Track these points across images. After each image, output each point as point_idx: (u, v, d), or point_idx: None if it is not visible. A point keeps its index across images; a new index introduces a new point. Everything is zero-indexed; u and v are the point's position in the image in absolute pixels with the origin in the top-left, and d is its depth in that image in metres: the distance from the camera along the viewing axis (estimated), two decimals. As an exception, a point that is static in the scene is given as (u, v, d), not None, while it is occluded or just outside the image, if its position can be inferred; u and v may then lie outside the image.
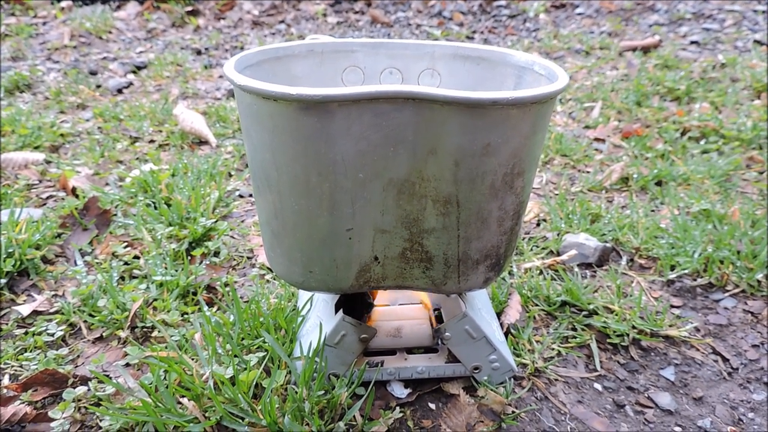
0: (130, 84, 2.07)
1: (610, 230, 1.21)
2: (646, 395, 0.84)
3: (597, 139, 1.69)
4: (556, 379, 0.86)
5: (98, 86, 2.05)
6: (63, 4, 2.79)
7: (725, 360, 0.91)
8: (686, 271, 1.07)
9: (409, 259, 0.71)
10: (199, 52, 2.43)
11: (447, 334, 0.79)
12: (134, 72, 2.21)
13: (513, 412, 0.79)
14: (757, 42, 2.45)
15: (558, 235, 1.19)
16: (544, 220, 1.27)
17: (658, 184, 1.44)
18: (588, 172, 1.50)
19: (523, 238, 1.19)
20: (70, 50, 2.41)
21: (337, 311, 0.79)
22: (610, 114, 1.82)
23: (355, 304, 0.85)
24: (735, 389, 0.86)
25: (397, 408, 0.79)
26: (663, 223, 1.23)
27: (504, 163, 0.64)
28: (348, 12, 2.90)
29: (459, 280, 0.73)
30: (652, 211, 1.31)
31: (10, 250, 1.06)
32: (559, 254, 1.14)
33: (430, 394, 0.83)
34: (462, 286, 0.73)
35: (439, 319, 0.92)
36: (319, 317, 0.84)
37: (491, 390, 0.80)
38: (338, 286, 0.73)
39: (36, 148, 1.58)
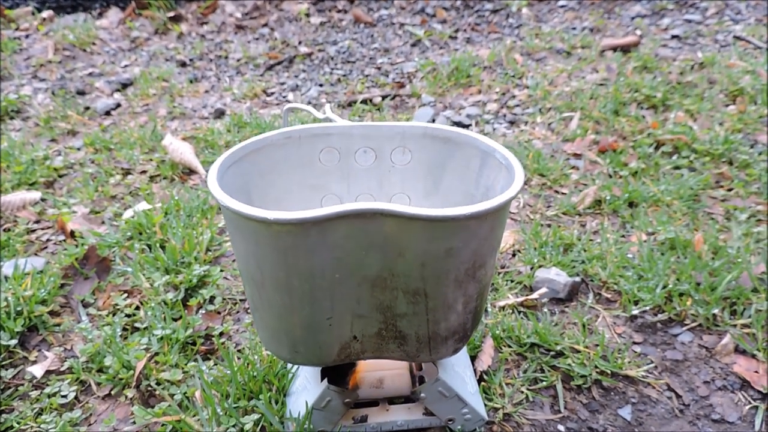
0: (118, 105, 2.10)
1: (581, 262, 1.28)
2: (605, 436, 0.93)
3: (574, 155, 1.75)
4: (524, 423, 0.95)
5: (87, 108, 2.09)
6: (44, 14, 2.78)
7: (678, 396, 1.00)
8: (648, 307, 1.15)
9: (385, 337, 0.79)
10: (183, 64, 2.45)
11: (422, 395, 0.88)
12: (121, 90, 2.23)
13: (484, 460, 0.88)
14: (737, 38, 2.48)
15: (531, 269, 1.27)
16: (519, 251, 1.34)
17: (631, 204, 1.51)
18: (564, 193, 1.57)
19: (499, 273, 1.27)
20: (55, 66, 2.42)
21: (323, 378, 0.88)
22: (587, 125, 1.87)
23: (339, 366, 0.93)
24: (685, 426, 0.95)
25: (380, 460, 0.88)
26: (631, 252, 1.31)
27: (465, 261, 0.71)
28: (331, 11, 2.90)
29: (430, 352, 0.81)
30: (623, 236, 1.39)
31: (19, 309, 1.14)
32: (532, 289, 1.22)
33: (410, 443, 0.92)
34: (433, 357, 0.82)
35: (419, 366, 1.00)
36: (306, 378, 0.93)
37: (464, 440, 0.89)
38: (323, 361, 0.82)
39: (31, 185, 1.63)
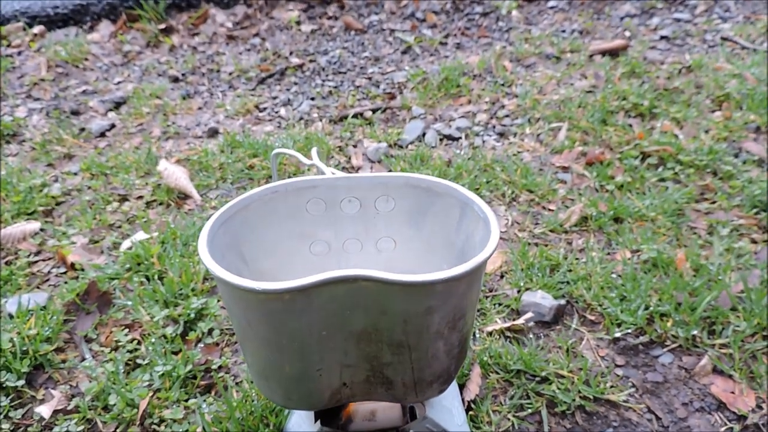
0: (113, 126, 2.13)
1: (566, 283, 1.33)
2: (587, 461, 0.98)
3: (562, 168, 1.79)
4: (511, 451, 1.00)
5: (82, 130, 2.12)
6: (36, 29, 2.79)
7: (658, 419, 1.05)
8: (630, 330, 1.20)
9: (373, 382, 0.84)
10: (176, 79, 2.47)
11: (411, 432, 0.93)
12: (115, 109, 2.26)
13: (471, 490, 0.93)
14: (725, 39, 2.50)
15: (518, 292, 1.31)
16: (507, 273, 1.38)
17: (617, 220, 1.54)
18: (551, 210, 1.60)
19: (486, 296, 1.32)
20: (49, 84, 2.45)
21: (316, 419, 0.92)
22: (575, 136, 1.90)
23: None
24: (664, 449, 1.00)
25: (373, 493, 0.93)
26: (615, 271, 1.35)
27: (446, 316, 0.75)
28: (321, 18, 2.91)
29: (417, 395, 0.85)
30: (608, 254, 1.43)
31: (24, 349, 1.18)
32: (519, 313, 1.26)
33: (401, 474, 0.96)
34: (420, 398, 0.86)
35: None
36: (301, 416, 0.98)
37: (452, 473, 0.94)
38: (315, 406, 0.87)
39: (30, 214, 1.67)
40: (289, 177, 1.78)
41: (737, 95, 2.04)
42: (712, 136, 1.86)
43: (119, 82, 2.47)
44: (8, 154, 2.00)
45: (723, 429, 1.02)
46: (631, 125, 1.95)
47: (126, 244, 1.51)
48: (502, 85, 2.29)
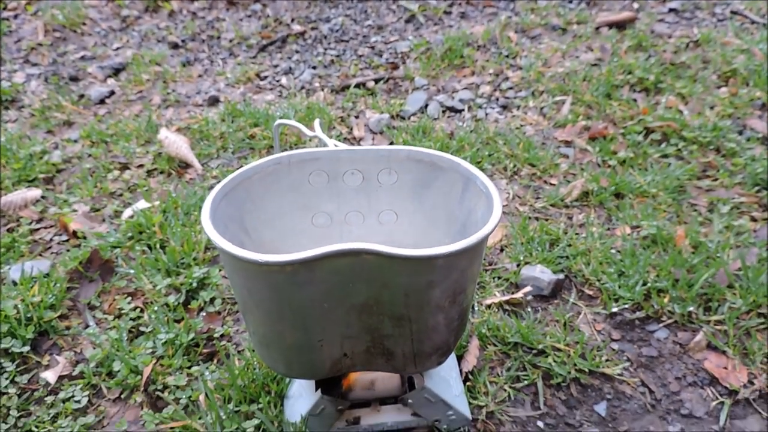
0: (112, 93, 2.11)
1: (565, 258, 1.33)
2: (579, 431, 1.01)
3: (565, 142, 1.78)
4: (506, 420, 1.02)
5: (81, 96, 2.10)
6: (33, -8, 2.74)
7: (651, 392, 1.07)
8: (627, 305, 1.21)
9: (373, 353, 0.85)
10: (176, 46, 2.43)
11: (410, 401, 0.94)
12: (114, 76, 2.23)
13: (467, 457, 0.96)
14: (734, 12, 2.45)
15: (518, 266, 1.32)
16: (507, 247, 1.39)
17: (618, 195, 1.55)
18: (553, 184, 1.60)
19: (486, 270, 1.33)
20: (46, 49, 2.41)
21: (317, 388, 0.94)
22: (579, 110, 1.89)
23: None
24: (655, 421, 1.02)
25: (372, 459, 0.95)
26: (615, 247, 1.36)
27: (446, 290, 0.76)
28: (324, -17, 2.85)
29: (416, 366, 0.87)
30: (608, 230, 1.43)
31: (29, 315, 1.19)
32: (518, 287, 1.28)
33: (399, 441, 0.99)
34: (419, 369, 0.88)
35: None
36: (301, 385, 1.00)
37: (449, 440, 0.97)
38: (316, 375, 0.88)
39: (31, 181, 1.67)
40: (291, 147, 1.77)
41: (744, 71, 2.01)
42: (717, 112, 1.84)
43: (118, 48, 2.44)
44: (7, 120, 1.99)
45: (714, 403, 1.04)
46: (635, 100, 1.93)
47: (127, 212, 1.51)
48: (507, 56, 2.26)
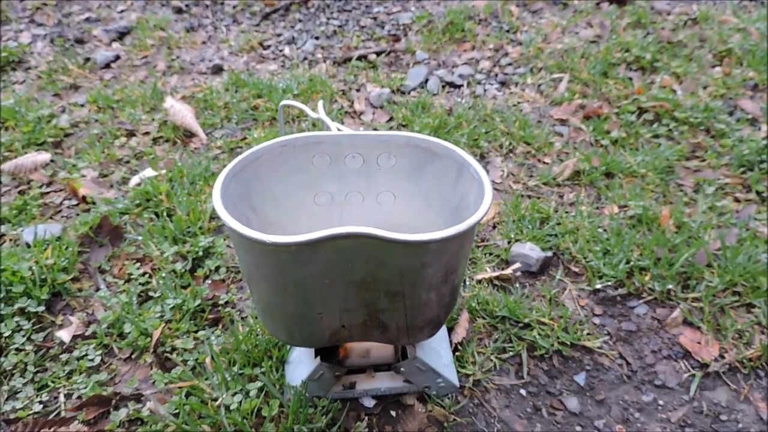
0: (117, 57, 2.12)
1: (554, 236, 1.40)
2: (559, 399, 1.09)
3: (560, 120, 1.82)
4: (492, 388, 1.10)
5: (87, 60, 2.11)
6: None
7: (628, 364, 1.15)
8: (610, 282, 1.28)
9: (369, 326, 0.92)
10: (180, 10, 2.43)
11: (402, 369, 1.02)
12: (119, 40, 2.24)
13: (454, 420, 1.04)
14: (735, -11, 2.45)
15: (508, 243, 1.38)
16: (499, 224, 1.45)
17: (608, 175, 1.60)
18: (546, 163, 1.65)
19: (478, 246, 1.39)
20: (52, 9, 2.41)
21: (316, 355, 1.01)
22: (575, 88, 1.92)
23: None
24: (630, 391, 1.11)
25: (366, 419, 1.04)
26: (602, 226, 1.42)
27: (439, 270, 0.83)
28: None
29: (408, 338, 0.94)
30: (597, 209, 1.49)
31: (43, 277, 1.26)
32: (508, 263, 1.34)
33: (392, 404, 1.07)
34: (411, 341, 0.95)
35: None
36: (301, 351, 1.07)
37: (437, 404, 1.05)
38: (315, 344, 0.96)
39: (40, 145, 1.71)
40: (294, 120, 1.81)
41: (739, 50, 2.04)
42: (709, 92, 1.88)
43: (122, 11, 2.43)
44: (15, 82, 2.01)
45: (686, 375, 1.13)
46: (631, 78, 1.96)
47: (135, 179, 1.56)
48: (507, 31, 2.27)
